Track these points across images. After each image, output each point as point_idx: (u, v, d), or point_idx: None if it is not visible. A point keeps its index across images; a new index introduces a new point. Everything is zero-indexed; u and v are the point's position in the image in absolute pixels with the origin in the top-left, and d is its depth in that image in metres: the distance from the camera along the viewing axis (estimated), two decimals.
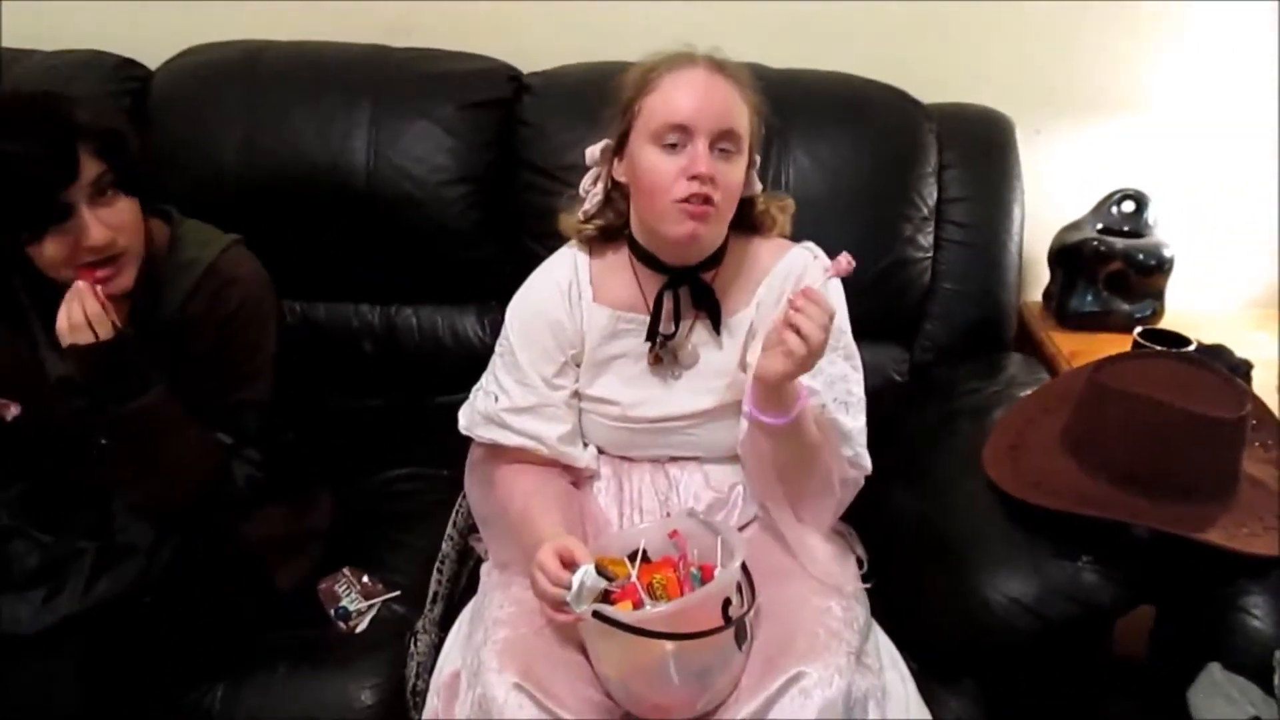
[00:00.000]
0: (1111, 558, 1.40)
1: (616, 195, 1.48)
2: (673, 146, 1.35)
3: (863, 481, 1.50)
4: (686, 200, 1.34)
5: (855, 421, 1.47)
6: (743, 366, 1.47)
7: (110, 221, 1.36)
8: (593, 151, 1.47)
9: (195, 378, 1.47)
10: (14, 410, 1.45)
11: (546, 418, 1.50)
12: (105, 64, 1.98)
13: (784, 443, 1.36)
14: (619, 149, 1.43)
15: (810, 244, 1.52)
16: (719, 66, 1.39)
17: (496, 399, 1.51)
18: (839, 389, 1.46)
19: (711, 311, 1.49)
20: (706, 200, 1.34)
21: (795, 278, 1.47)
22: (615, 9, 2.06)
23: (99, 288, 1.35)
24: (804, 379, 1.38)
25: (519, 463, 1.53)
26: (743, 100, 1.39)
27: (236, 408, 1.51)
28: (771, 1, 2.05)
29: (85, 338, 1.33)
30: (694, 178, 1.33)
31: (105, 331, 1.34)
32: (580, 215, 1.51)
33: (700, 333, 1.51)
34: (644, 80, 1.39)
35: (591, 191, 1.49)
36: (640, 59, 1.43)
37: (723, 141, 1.35)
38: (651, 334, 1.48)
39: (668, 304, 1.47)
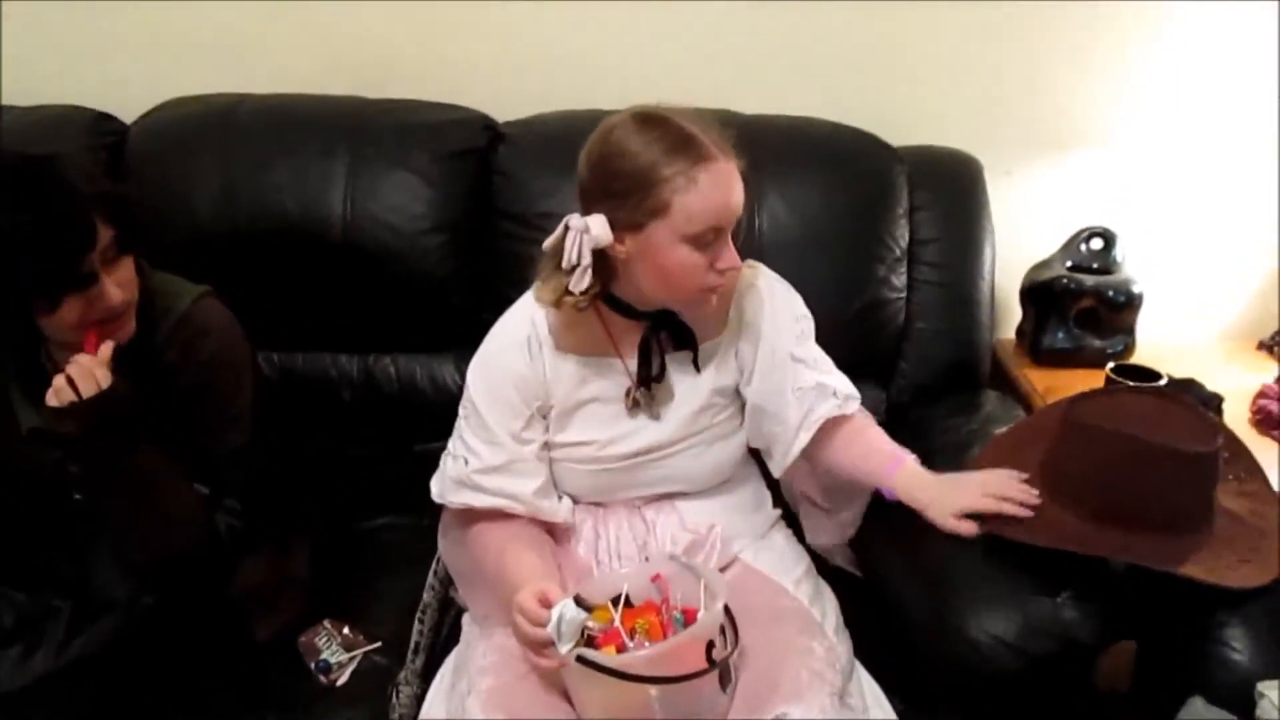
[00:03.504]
0: (1091, 594, 1.41)
1: (601, 261, 1.39)
2: (706, 243, 1.34)
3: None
4: (711, 287, 1.39)
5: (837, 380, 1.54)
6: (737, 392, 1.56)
7: (121, 281, 1.37)
8: (599, 224, 1.34)
9: (171, 429, 1.47)
10: None
11: (518, 473, 1.49)
12: (82, 119, 1.99)
13: None
14: (638, 224, 1.34)
15: (750, 260, 1.55)
16: (727, 148, 1.35)
17: (466, 462, 1.49)
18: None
19: (691, 346, 1.51)
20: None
21: (761, 292, 1.53)
22: (590, 58, 2.09)
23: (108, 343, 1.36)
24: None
25: (490, 520, 1.52)
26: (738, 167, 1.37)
27: (214, 458, 1.51)
28: (742, 47, 2.08)
29: (89, 387, 1.32)
30: (722, 271, 1.37)
31: (106, 379, 1.33)
32: (576, 290, 1.37)
33: (674, 368, 1.52)
34: (675, 177, 1.30)
35: (580, 268, 1.36)
36: (643, 141, 1.33)
37: (734, 225, 1.38)
38: (644, 381, 1.49)
39: (654, 349, 1.48)
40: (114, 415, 1.35)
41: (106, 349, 1.35)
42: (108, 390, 1.33)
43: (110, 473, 1.38)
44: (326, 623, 1.64)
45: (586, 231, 1.33)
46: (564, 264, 1.36)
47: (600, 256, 1.36)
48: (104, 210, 1.34)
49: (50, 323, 1.35)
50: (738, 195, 1.35)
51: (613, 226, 1.34)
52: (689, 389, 1.51)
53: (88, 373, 1.32)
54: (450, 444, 1.56)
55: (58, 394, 1.32)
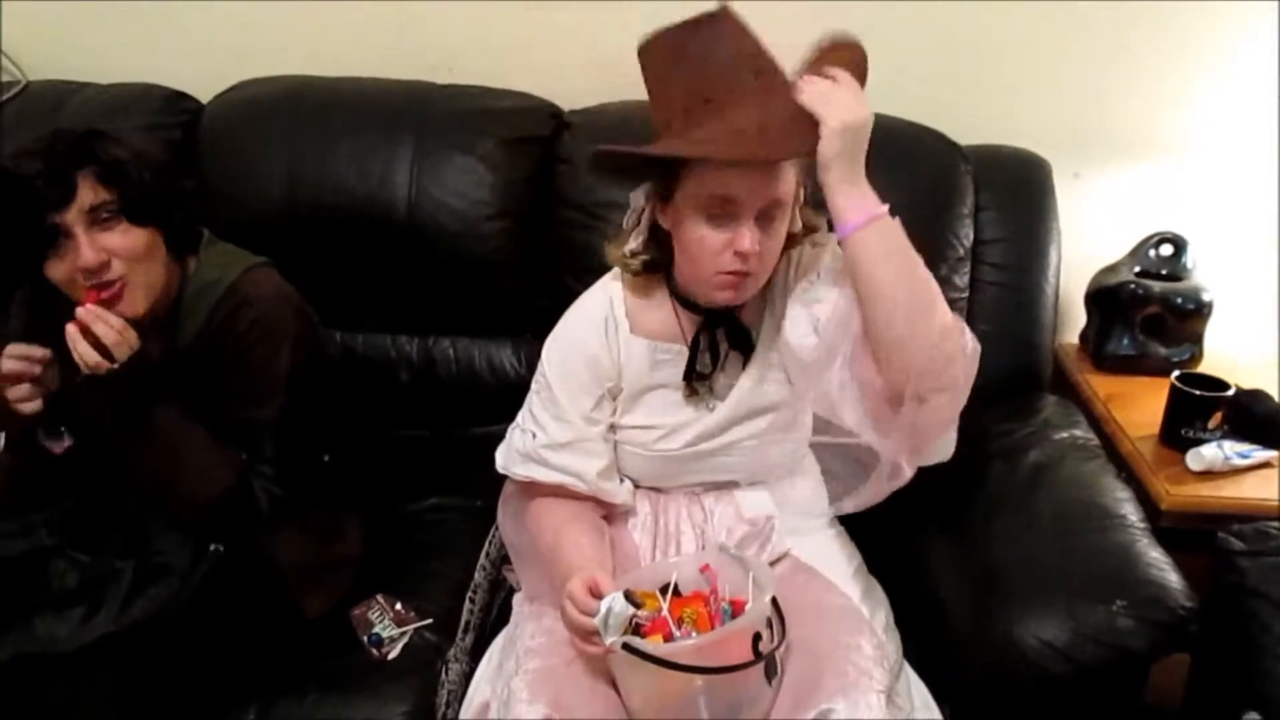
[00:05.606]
0: (1147, 603, 1.39)
1: (660, 233, 1.44)
2: (718, 216, 1.33)
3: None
4: (728, 273, 1.36)
5: None
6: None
7: (108, 245, 1.41)
8: (636, 196, 1.45)
9: (213, 398, 1.51)
10: (66, 444, 1.47)
11: (584, 453, 1.51)
12: (158, 96, 2.04)
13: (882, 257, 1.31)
14: (665, 192, 1.39)
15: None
16: None
17: (534, 436, 1.51)
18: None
19: (744, 348, 1.50)
20: (745, 273, 1.36)
21: (795, 261, 1.47)
22: None
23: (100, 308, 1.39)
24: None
25: (553, 496, 1.54)
26: (791, 162, 1.35)
27: (247, 425, 1.53)
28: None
29: (104, 367, 1.37)
30: (738, 254, 1.33)
31: (123, 354, 1.38)
32: (627, 251, 1.48)
33: (732, 363, 1.51)
34: None
35: (636, 230, 1.47)
36: None
37: (768, 210, 1.34)
38: (689, 374, 1.49)
39: (704, 344, 1.48)
40: (126, 393, 1.40)
41: (105, 328, 1.38)
42: (123, 367, 1.38)
43: (133, 438, 1.43)
44: (379, 597, 1.67)
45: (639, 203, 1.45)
46: (625, 225, 1.48)
47: (656, 231, 1.43)
48: (97, 172, 1.40)
49: (52, 278, 1.42)
50: (758, 176, 1.32)
51: (661, 195, 1.40)
52: (747, 385, 1.51)
53: (93, 358, 1.37)
54: (519, 416, 1.57)
55: (82, 365, 1.38)
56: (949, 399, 1.35)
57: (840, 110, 1.26)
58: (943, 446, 1.44)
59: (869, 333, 1.33)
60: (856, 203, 1.30)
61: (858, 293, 1.33)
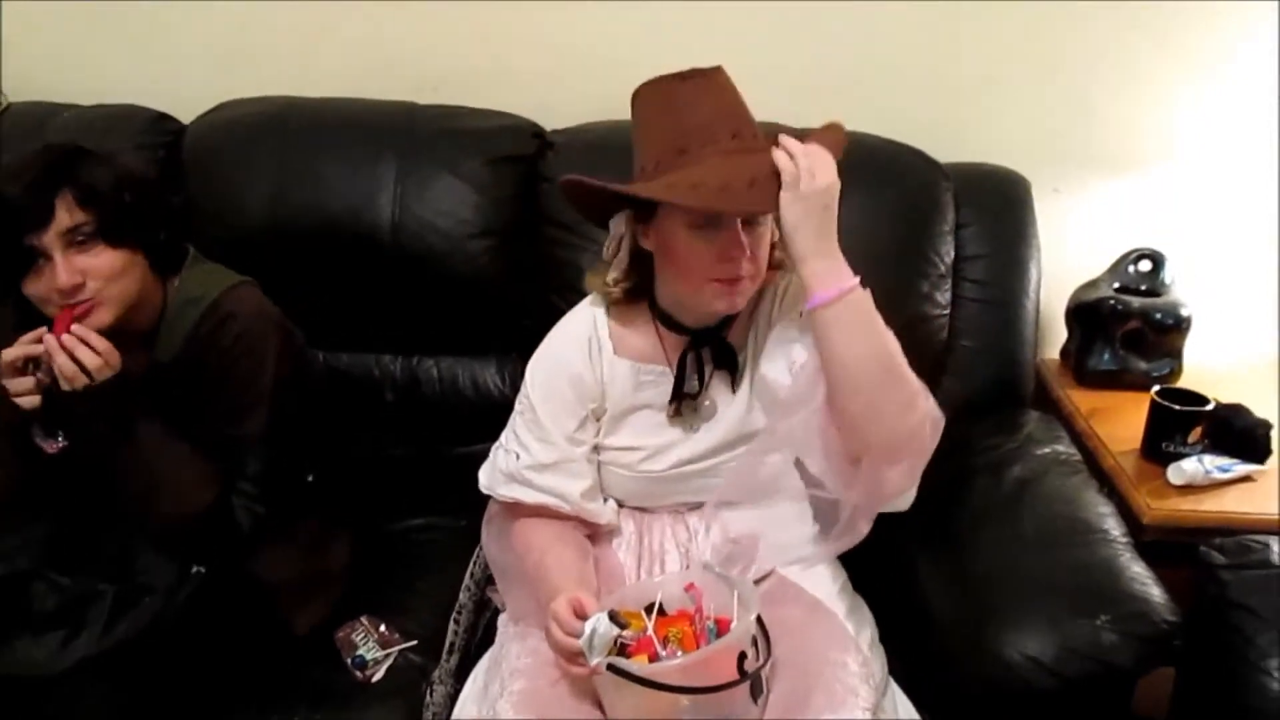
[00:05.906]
0: (1132, 618, 1.39)
1: (641, 258, 1.46)
2: (705, 226, 1.34)
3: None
4: (723, 280, 1.37)
5: None
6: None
7: (83, 267, 1.42)
8: (616, 223, 1.46)
9: (196, 415, 1.51)
10: (60, 444, 1.47)
11: (568, 474, 1.51)
12: (141, 118, 2.04)
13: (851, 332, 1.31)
14: (645, 215, 1.41)
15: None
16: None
17: (518, 457, 1.52)
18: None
19: (731, 368, 1.50)
20: (739, 277, 1.37)
21: (780, 291, 1.49)
22: (637, 68, 2.08)
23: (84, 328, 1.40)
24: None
25: (537, 516, 1.53)
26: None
27: (231, 441, 1.53)
28: (791, 60, 2.08)
29: (80, 381, 1.37)
30: (730, 259, 1.34)
31: (104, 375, 1.39)
32: (609, 280, 1.49)
33: (718, 384, 1.52)
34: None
35: (617, 258, 1.48)
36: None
37: (752, 216, 1.36)
38: (676, 394, 1.50)
39: (690, 364, 1.49)
40: (103, 408, 1.41)
41: (87, 352, 1.38)
42: (103, 383, 1.39)
43: (112, 452, 1.44)
44: (363, 619, 1.66)
45: (619, 229, 1.45)
46: (604, 255, 1.48)
47: (639, 255, 1.45)
48: (75, 195, 1.41)
49: (29, 295, 1.43)
50: None
51: (640, 217, 1.41)
52: (731, 405, 1.52)
53: (74, 372, 1.38)
54: (503, 436, 1.57)
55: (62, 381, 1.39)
56: (907, 468, 1.38)
57: (803, 177, 1.27)
58: (900, 501, 1.46)
59: (832, 401, 1.35)
60: (826, 275, 1.30)
61: (824, 362, 1.34)
